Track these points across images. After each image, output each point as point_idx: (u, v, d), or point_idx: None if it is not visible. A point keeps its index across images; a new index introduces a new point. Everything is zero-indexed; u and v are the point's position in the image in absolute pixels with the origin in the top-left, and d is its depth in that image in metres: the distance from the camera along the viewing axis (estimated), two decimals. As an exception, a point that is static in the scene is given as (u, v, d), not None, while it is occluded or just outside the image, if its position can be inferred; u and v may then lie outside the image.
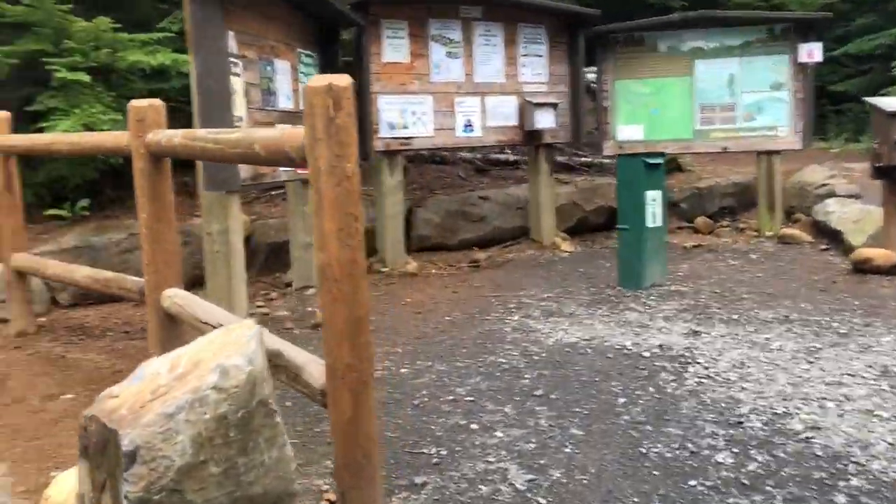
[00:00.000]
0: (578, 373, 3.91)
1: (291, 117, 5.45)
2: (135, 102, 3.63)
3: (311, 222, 5.28)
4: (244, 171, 4.74)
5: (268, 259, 6.54)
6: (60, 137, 4.53)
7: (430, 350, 4.42)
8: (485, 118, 7.13)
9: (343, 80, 2.19)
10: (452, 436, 3.20)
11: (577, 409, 3.43)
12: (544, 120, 7.26)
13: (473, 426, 3.30)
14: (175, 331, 3.62)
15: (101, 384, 3.66)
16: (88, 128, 5.83)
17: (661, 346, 4.30)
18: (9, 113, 5.01)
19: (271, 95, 5.15)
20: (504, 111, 7.26)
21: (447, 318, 5.12)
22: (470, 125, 7.00)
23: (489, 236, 7.56)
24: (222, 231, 4.66)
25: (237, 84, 4.68)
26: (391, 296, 5.82)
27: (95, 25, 6.03)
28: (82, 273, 4.49)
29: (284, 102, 5.36)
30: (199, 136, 3.02)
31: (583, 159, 9.34)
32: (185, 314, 3.38)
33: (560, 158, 8.81)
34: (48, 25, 6.16)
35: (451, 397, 3.66)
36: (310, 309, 5.47)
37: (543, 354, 4.24)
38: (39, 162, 6.45)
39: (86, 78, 6.00)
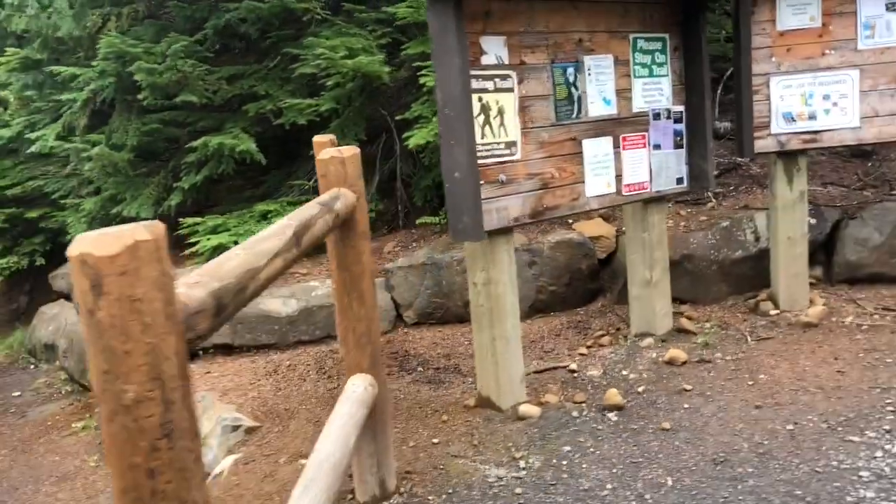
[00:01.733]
0: None
1: (613, 125, 4.26)
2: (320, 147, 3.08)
3: (653, 254, 4.11)
4: (518, 207, 3.82)
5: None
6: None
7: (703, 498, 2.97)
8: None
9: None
10: None
11: None
12: None
13: None
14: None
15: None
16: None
17: None
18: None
19: (573, 104, 4.05)
20: None
21: (790, 425, 3.46)
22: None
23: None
24: (486, 283, 3.84)
25: (505, 102, 3.73)
26: (746, 363, 4.23)
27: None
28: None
29: (600, 109, 4.19)
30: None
31: None
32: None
33: None
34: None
35: None
36: (625, 373, 4.29)
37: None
38: (427, 167, 6.39)
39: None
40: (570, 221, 5.76)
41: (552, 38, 3.94)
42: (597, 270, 5.61)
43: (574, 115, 4.07)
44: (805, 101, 4.71)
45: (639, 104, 4.41)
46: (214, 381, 5.09)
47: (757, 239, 5.35)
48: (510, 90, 3.77)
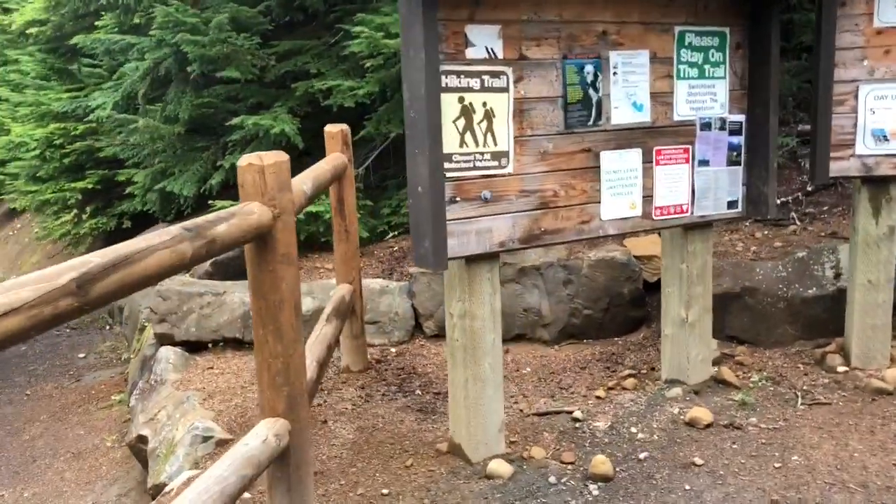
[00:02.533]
0: None
1: (645, 135, 3.55)
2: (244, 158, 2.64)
3: (692, 290, 3.45)
4: (505, 230, 3.22)
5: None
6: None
7: None
8: None
9: None
10: None
11: None
12: None
13: None
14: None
15: None
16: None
17: None
18: (346, 127, 4.46)
19: (590, 109, 3.38)
20: None
21: (806, 536, 2.72)
22: None
23: None
24: (463, 315, 3.28)
25: (496, 104, 3.13)
26: (782, 436, 3.45)
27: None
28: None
29: (627, 115, 3.49)
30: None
31: None
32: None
33: None
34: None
35: None
36: (634, 430, 3.62)
37: None
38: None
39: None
40: (624, 236, 5.06)
41: (566, 29, 3.28)
42: (641, 296, 4.89)
43: (590, 122, 3.40)
44: (903, 116, 3.80)
45: (683, 111, 3.67)
46: (210, 379, 4.80)
47: (837, 276, 4.47)
48: (503, 90, 3.16)
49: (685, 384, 3.97)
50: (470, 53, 3.07)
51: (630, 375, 4.22)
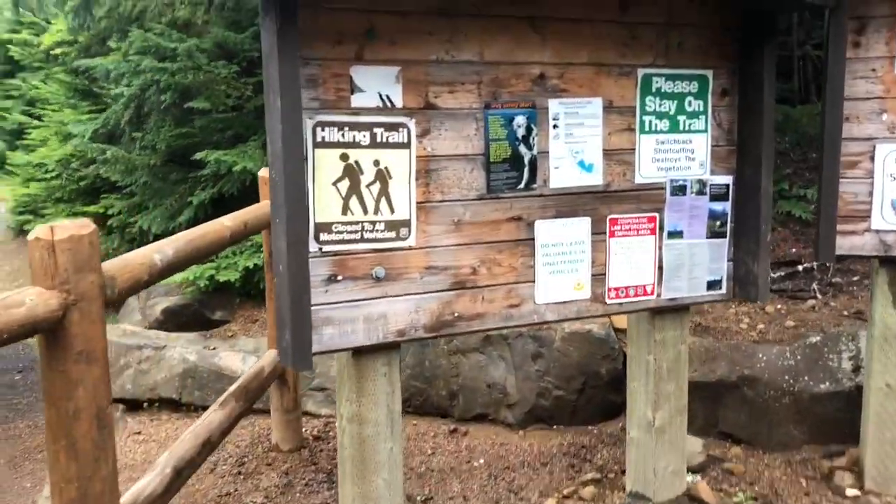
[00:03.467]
0: None
1: (595, 201, 2.90)
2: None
3: (661, 387, 2.77)
4: (405, 316, 2.61)
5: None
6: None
7: None
8: None
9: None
10: None
11: None
12: None
13: None
14: None
15: None
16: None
17: None
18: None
19: (522, 169, 2.75)
20: None
21: None
22: None
23: None
24: (352, 419, 2.67)
25: (393, 163, 2.53)
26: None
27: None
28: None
29: (572, 177, 2.84)
30: None
31: None
32: None
33: None
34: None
35: None
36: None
37: None
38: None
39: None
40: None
41: (489, 72, 2.66)
42: (622, 377, 4.17)
43: (521, 185, 2.76)
44: (932, 184, 3.04)
45: (648, 172, 3.00)
46: (130, 448, 4.30)
47: (856, 369, 3.70)
48: (402, 146, 2.55)
49: (650, 501, 3.25)
50: (357, 101, 2.47)
51: (592, 481, 3.53)
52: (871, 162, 3.09)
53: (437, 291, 2.67)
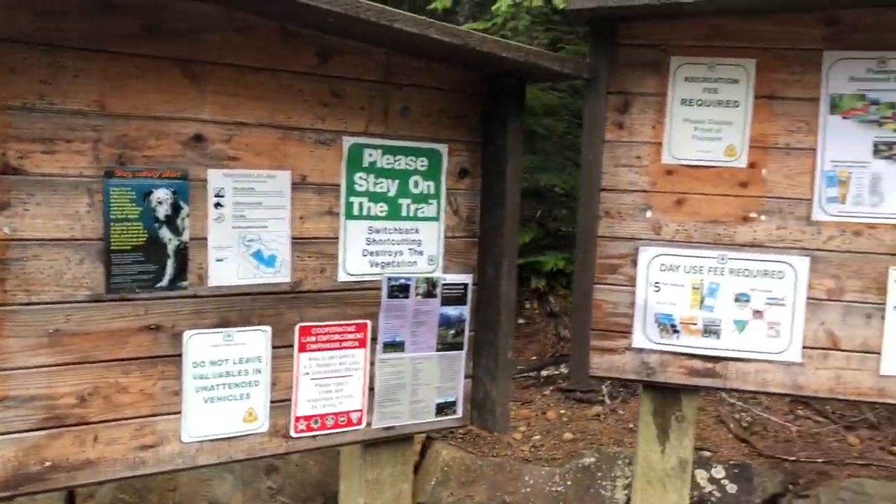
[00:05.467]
0: None
1: (279, 304, 2.20)
2: None
3: None
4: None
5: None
6: None
7: None
8: None
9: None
10: None
11: None
12: None
13: None
14: None
15: None
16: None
17: None
18: None
19: (164, 260, 2.01)
20: None
21: None
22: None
23: None
24: None
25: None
26: None
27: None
28: None
29: (243, 271, 2.14)
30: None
31: None
32: None
33: None
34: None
35: None
36: None
37: None
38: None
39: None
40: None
41: (113, 128, 1.93)
42: None
43: (164, 283, 2.03)
44: (701, 299, 2.53)
45: (356, 268, 2.34)
46: None
47: (628, 502, 3.14)
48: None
49: None
50: None
51: None
52: (634, 267, 2.55)
53: (18, 433, 1.88)
